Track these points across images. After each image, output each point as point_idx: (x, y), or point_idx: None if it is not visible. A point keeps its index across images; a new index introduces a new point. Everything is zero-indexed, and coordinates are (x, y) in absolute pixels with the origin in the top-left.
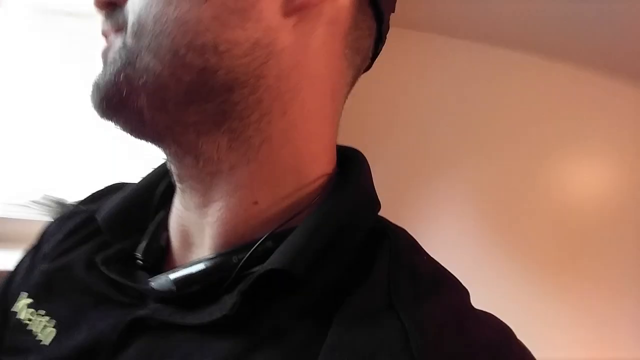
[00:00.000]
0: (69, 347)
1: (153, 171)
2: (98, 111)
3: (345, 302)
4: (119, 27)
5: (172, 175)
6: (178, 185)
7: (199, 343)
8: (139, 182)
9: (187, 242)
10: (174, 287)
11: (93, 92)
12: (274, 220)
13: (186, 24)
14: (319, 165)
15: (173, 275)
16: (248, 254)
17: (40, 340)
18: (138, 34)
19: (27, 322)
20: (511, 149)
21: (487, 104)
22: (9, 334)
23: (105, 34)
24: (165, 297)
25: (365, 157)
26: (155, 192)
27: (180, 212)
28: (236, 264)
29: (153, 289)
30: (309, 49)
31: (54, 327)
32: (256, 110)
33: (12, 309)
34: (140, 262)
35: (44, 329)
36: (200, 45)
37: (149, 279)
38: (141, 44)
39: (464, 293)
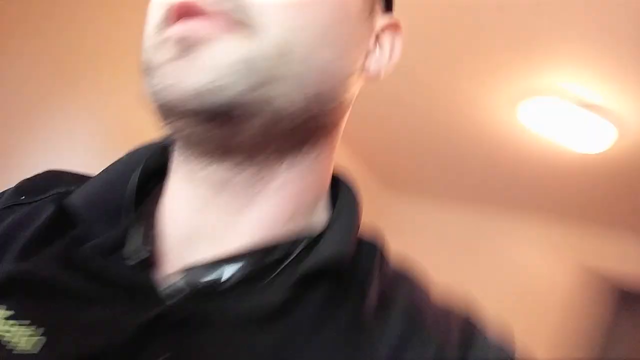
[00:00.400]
0: (68, 353)
1: (122, 162)
2: (192, 109)
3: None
4: (232, 22)
5: (201, 175)
6: (213, 187)
7: (244, 337)
8: (109, 172)
9: (196, 239)
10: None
11: (213, 89)
12: (298, 227)
13: (333, 68)
14: (327, 186)
15: (214, 273)
16: (294, 254)
17: (25, 350)
18: (284, 56)
19: (4, 334)
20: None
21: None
22: None
23: (206, 13)
24: (194, 294)
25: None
26: (127, 185)
27: (197, 210)
28: (276, 262)
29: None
30: (350, 104)
31: (42, 334)
32: (320, 149)
33: None
34: (135, 262)
35: (28, 338)
36: (334, 93)
37: (185, 273)
38: (288, 69)
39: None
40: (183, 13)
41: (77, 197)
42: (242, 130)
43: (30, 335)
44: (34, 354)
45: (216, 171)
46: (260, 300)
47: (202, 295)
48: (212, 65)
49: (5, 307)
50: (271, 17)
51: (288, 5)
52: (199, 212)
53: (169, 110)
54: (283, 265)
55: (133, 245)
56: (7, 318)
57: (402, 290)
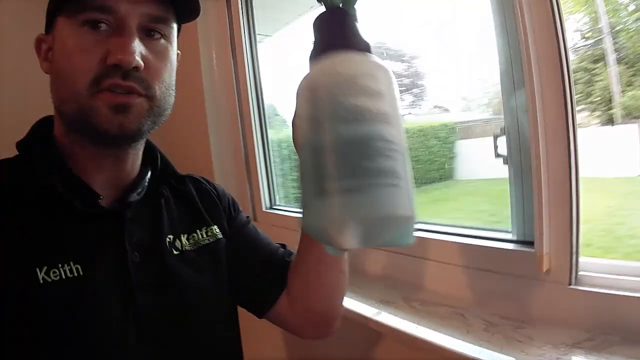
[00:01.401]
0: (100, 257)
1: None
2: (127, 138)
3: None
4: (143, 95)
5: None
6: (117, 158)
7: (141, 209)
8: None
9: (112, 183)
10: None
11: (138, 130)
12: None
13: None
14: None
15: (129, 197)
16: (148, 178)
17: (74, 275)
18: (159, 107)
19: (54, 278)
20: None
21: None
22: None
23: (135, 93)
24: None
25: None
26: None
27: (109, 169)
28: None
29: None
30: None
31: (76, 264)
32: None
33: (41, 282)
34: (100, 204)
35: (71, 271)
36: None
37: (127, 199)
38: (160, 113)
39: None
40: (125, 87)
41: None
42: (137, 139)
43: (70, 269)
44: (81, 275)
45: (117, 152)
46: (140, 198)
47: (127, 205)
48: (136, 118)
49: (42, 265)
50: (155, 92)
51: (161, 88)
52: (109, 170)
53: (106, 136)
54: (146, 183)
55: (92, 194)
56: (47, 270)
57: (189, 179)
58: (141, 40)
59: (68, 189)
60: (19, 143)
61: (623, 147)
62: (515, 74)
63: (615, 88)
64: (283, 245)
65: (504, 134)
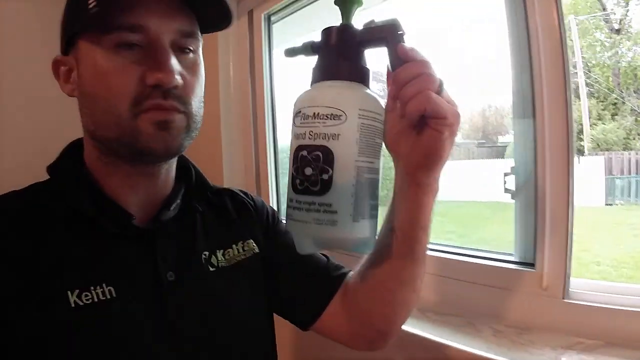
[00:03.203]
0: (132, 278)
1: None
2: (169, 155)
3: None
4: (182, 112)
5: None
6: (150, 175)
7: (173, 225)
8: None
9: (146, 200)
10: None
11: (180, 145)
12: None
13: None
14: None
15: (161, 213)
16: (181, 193)
17: (107, 297)
18: (195, 122)
19: (86, 301)
20: None
21: None
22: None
23: (175, 110)
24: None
25: None
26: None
27: (143, 187)
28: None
29: (161, 219)
30: None
31: (109, 286)
32: None
33: (72, 306)
34: (133, 222)
35: (104, 293)
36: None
37: (161, 217)
38: (195, 128)
39: None
40: (167, 107)
41: (75, 201)
42: (176, 156)
43: (103, 291)
44: (115, 296)
45: (151, 169)
46: (174, 215)
47: (160, 223)
48: (177, 134)
49: (74, 289)
50: (192, 107)
51: (196, 102)
52: (143, 189)
53: (151, 155)
54: (179, 199)
55: (124, 215)
56: (79, 293)
57: (225, 192)
58: (175, 56)
59: (100, 211)
60: (50, 167)
61: (590, 178)
62: (526, 126)
63: (586, 121)
64: (326, 257)
65: (513, 173)
